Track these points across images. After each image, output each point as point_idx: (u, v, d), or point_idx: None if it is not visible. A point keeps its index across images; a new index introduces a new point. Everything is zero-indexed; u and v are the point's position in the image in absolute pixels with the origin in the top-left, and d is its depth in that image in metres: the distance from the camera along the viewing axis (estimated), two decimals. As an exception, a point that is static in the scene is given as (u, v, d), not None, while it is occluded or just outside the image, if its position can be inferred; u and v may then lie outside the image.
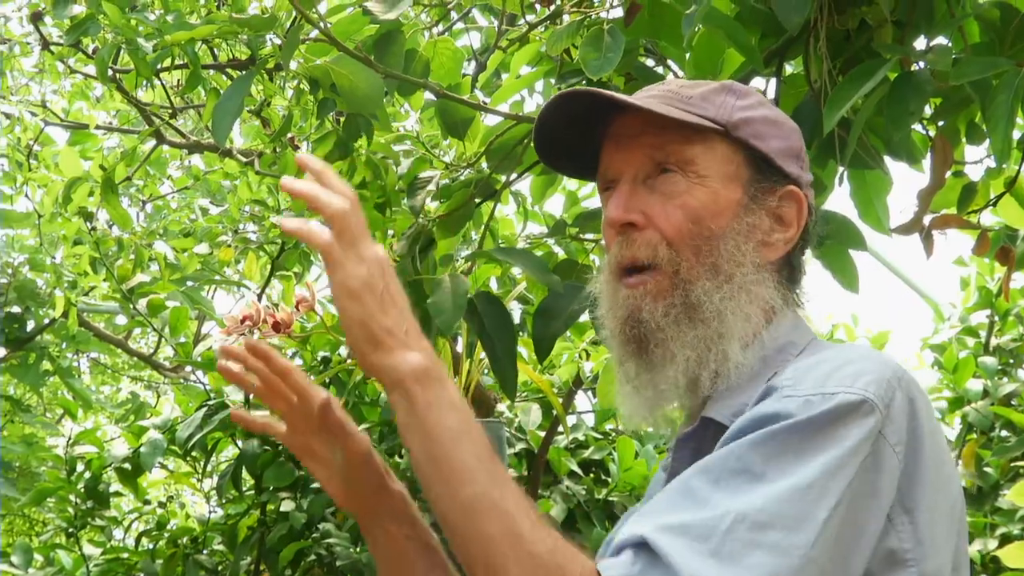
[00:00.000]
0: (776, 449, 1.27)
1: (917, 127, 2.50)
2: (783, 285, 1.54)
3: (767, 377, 1.44)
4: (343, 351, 3.97)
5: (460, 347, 3.81)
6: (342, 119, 2.82)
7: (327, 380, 3.71)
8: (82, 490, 4.08)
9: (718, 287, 1.48)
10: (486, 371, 3.91)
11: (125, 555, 4.14)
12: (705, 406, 1.49)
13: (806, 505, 1.24)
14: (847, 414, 1.29)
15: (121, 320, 5.89)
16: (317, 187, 1.32)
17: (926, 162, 2.46)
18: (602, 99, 1.52)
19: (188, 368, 5.37)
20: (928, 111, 2.46)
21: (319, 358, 4.05)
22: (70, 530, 4.09)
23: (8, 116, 5.05)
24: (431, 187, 2.77)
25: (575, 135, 1.59)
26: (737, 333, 1.48)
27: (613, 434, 4.51)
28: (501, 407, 4.15)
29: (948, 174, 2.44)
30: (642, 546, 1.25)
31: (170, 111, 4.59)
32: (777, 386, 1.35)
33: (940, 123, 2.47)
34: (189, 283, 4.41)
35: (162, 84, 4.39)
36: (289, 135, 3.36)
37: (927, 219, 2.51)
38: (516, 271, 3.89)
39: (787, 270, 1.55)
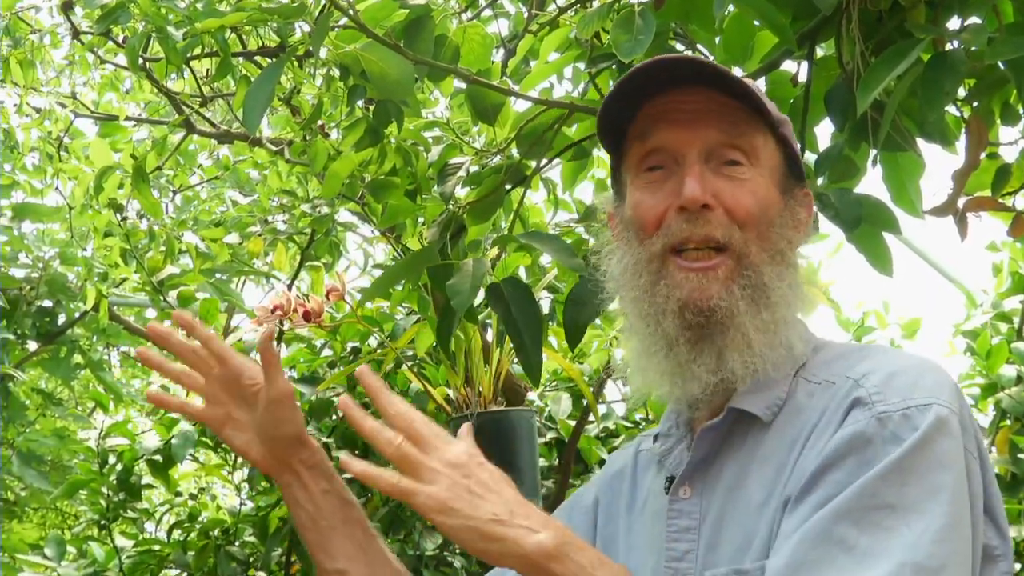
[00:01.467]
0: (903, 477, 1.30)
1: (951, 108, 2.48)
2: None
3: (792, 371, 1.47)
4: (372, 341, 3.97)
5: (491, 336, 3.80)
6: (372, 106, 2.82)
7: (357, 370, 3.70)
8: (114, 482, 4.09)
9: (781, 275, 1.49)
10: (516, 360, 3.90)
11: (157, 547, 4.15)
12: (732, 397, 1.49)
13: (959, 540, 1.29)
14: (944, 427, 1.32)
15: (151, 314, 5.90)
16: (371, 425, 1.36)
17: (960, 144, 2.45)
18: (708, 70, 1.48)
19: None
20: (962, 92, 2.44)
21: (348, 348, 4.06)
22: (102, 522, 4.09)
23: (38, 110, 5.07)
24: (461, 173, 2.76)
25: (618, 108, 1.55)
26: (798, 324, 1.51)
27: (643, 423, 4.49)
28: (532, 395, 4.14)
29: (982, 156, 2.42)
30: None
31: (200, 100, 4.59)
32: (865, 400, 1.36)
33: (974, 104, 2.45)
34: (218, 275, 4.42)
35: (192, 73, 4.39)
36: (319, 123, 3.36)
37: (961, 201, 2.49)
38: (545, 260, 3.88)
39: None
